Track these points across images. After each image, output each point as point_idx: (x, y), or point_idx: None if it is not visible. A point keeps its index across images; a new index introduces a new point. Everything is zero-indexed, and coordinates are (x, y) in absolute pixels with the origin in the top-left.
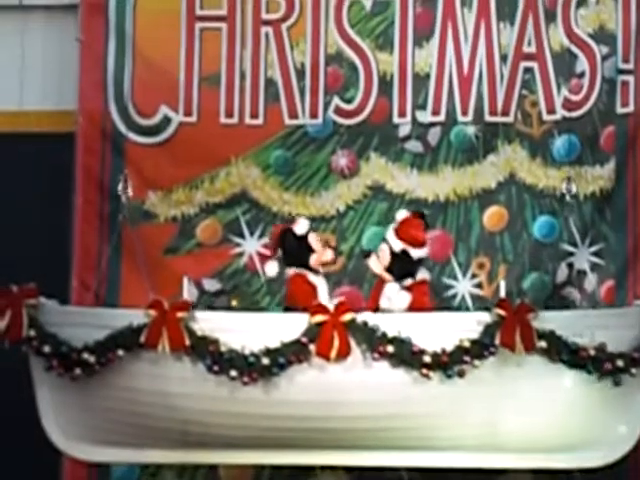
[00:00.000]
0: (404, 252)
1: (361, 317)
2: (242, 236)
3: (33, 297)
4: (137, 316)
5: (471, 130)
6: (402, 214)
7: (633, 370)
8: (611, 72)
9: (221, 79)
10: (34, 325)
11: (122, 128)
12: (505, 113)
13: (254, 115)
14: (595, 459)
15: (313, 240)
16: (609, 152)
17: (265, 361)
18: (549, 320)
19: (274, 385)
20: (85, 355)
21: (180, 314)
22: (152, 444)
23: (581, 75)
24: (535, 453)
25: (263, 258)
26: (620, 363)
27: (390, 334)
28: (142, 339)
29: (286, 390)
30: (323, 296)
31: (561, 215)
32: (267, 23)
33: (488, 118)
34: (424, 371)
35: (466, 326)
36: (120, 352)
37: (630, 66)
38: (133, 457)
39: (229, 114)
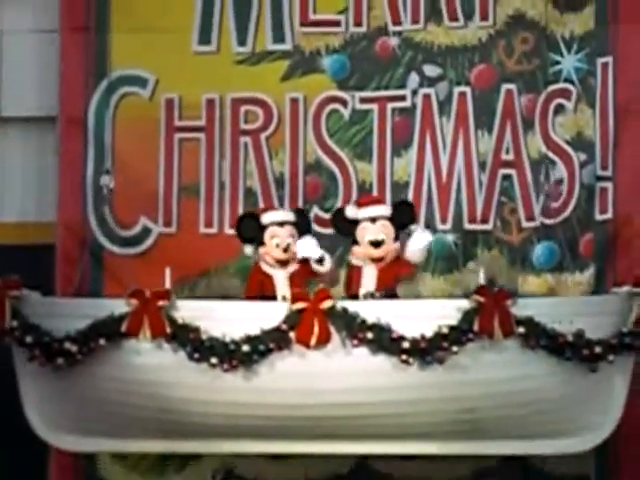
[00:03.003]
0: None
1: (341, 304)
2: None
3: (16, 289)
4: (118, 305)
5: (450, 238)
6: None
7: (611, 357)
8: (590, 179)
9: (200, 189)
10: (17, 316)
11: (101, 239)
12: (484, 221)
13: (234, 225)
14: (574, 445)
15: (267, 234)
16: (588, 258)
17: (245, 348)
18: (527, 306)
19: (255, 373)
20: (67, 345)
21: (161, 302)
22: (134, 433)
23: (560, 182)
24: (514, 440)
25: None
26: (598, 350)
27: (369, 321)
28: (123, 328)
29: (267, 377)
30: (279, 288)
31: None
32: (246, 133)
33: (467, 226)
34: (403, 357)
35: (445, 313)
36: (102, 341)
37: (608, 173)
38: (116, 447)
39: (208, 224)
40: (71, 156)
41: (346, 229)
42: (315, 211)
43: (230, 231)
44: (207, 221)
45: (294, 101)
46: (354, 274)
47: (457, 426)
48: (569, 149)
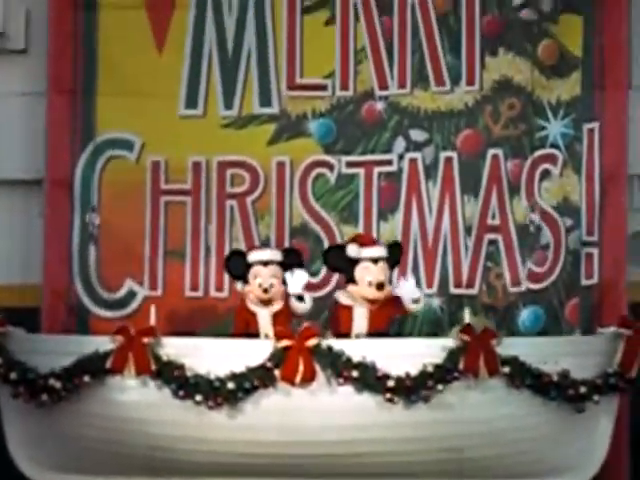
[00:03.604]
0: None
1: (326, 342)
2: None
3: (0, 325)
4: (103, 342)
5: (436, 302)
6: None
7: (596, 397)
8: (575, 244)
9: (186, 253)
10: (1, 352)
11: (87, 302)
12: (470, 285)
13: (219, 288)
14: None
15: (251, 273)
16: (574, 323)
17: (230, 386)
18: (513, 346)
19: (239, 410)
20: (51, 381)
21: (146, 339)
22: (119, 471)
23: (545, 247)
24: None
25: None
26: (583, 390)
27: (355, 359)
28: (108, 364)
29: (252, 415)
30: (263, 326)
31: None
32: (232, 196)
33: (453, 290)
34: (388, 396)
35: (430, 351)
36: (86, 378)
37: (594, 238)
38: None
39: (194, 287)
40: (57, 219)
41: (342, 267)
42: None
43: (216, 294)
44: (193, 284)
45: (280, 165)
46: (344, 314)
47: (442, 465)
48: (555, 214)
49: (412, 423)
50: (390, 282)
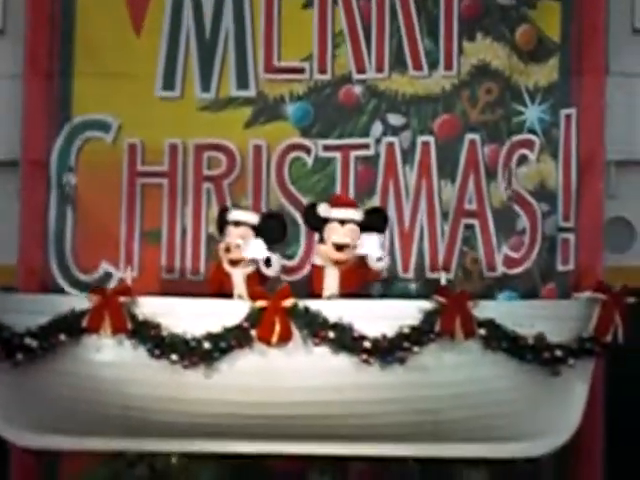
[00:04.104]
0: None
1: (302, 303)
2: None
3: None
4: (80, 301)
5: (412, 287)
6: None
7: (571, 361)
8: (552, 230)
9: (162, 235)
10: None
11: (62, 283)
12: (446, 269)
13: (195, 271)
14: (536, 448)
15: (228, 233)
16: None
17: (207, 345)
18: (489, 309)
19: (215, 370)
20: (27, 340)
21: (122, 299)
22: (94, 431)
23: (522, 232)
24: (475, 443)
25: None
26: (559, 353)
27: (331, 320)
28: (84, 323)
29: (227, 375)
30: (237, 286)
31: None
32: (208, 179)
33: (429, 275)
34: (364, 357)
35: (407, 313)
36: (62, 337)
37: (570, 224)
38: (77, 445)
39: (170, 270)
40: (33, 200)
41: (316, 225)
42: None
43: (192, 277)
44: (169, 267)
45: (257, 148)
46: (316, 274)
47: (417, 427)
48: (532, 200)
49: (388, 384)
50: None
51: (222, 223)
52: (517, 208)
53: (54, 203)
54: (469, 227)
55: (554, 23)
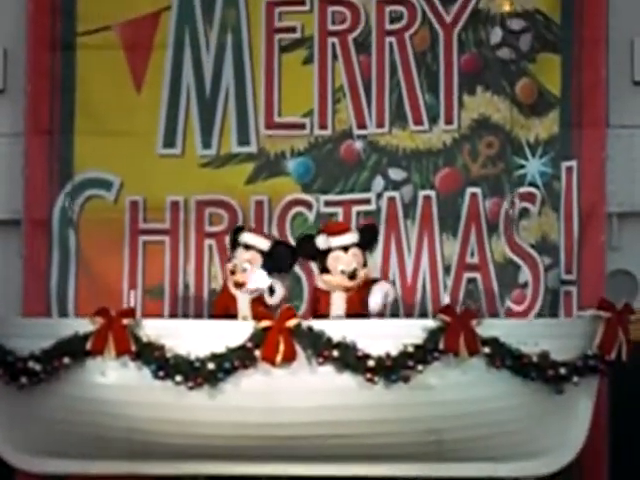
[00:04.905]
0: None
1: (306, 323)
2: None
3: None
4: (83, 324)
5: None
6: None
7: (575, 379)
8: (554, 283)
9: (165, 291)
10: None
11: None
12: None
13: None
14: (540, 467)
15: (236, 255)
16: None
17: (211, 366)
18: (493, 327)
19: (220, 391)
20: (31, 363)
21: (126, 321)
22: (99, 454)
23: (524, 286)
24: (479, 462)
25: None
26: (563, 371)
27: (335, 339)
28: (88, 346)
29: (232, 395)
30: (241, 309)
31: None
32: (210, 235)
33: None
34: (368, 375)
35: (411, 332)
36: (66, 360)
37: (573, 277)
38: (82, 468)
39: None
40: (35, 258)
41: (315, 257)
42: None
43: None
44: None
45: (259, 204)
46: (322, 298)
47: (422, 447)
48: (534, 253)
49: (392, 404)
50: (365, 265)
51: (234, 243)
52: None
53: (56, 261)
54: (471, 281)
55: (554, 76)
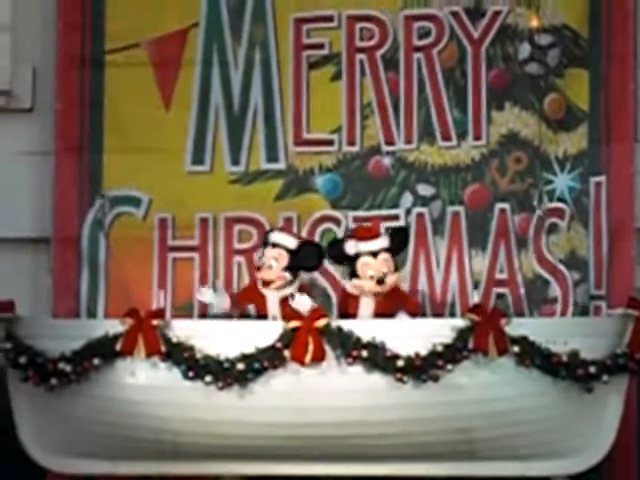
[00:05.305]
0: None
1: (335, 323)
2: None
3: (9, 311)
4: (113, 325)
5: None
6: None
7: (605, 378)
8: (583, 298)
9: (194, 309)
10: (10, 337)
11: None
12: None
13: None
14: (570, 466)
15: (264, 253)
16: None
17: (240, 366)
18: (522, 326)
19: (249, 391)
20: (61, 365)
21: (155, 321)
22: (128, 455)
23: (553, 301)
24: (508, 461)
25: None
26: (593, 370)
27: (364, 339)
28: (118, 347)
29: (261, 396)
30: (271, 308)
31: None
32: (239, 252)
33: None
34: (398, 375)
35: (440, 331)
36: (96, 361)
37: (602, 292)
38: (111, 469)
39: None
40: (65, 277)
41: (344, 262)
42: None
43: None
44: None
45: (288, 220)
46: (351, 302)
47: (452, 446)
48: (563, 268)
49: (422, 403)
50: (396, 269)
51: (265, 245)
52: (548, 276)
53: (86, 279)
54: (500, 296)
55: (582, 91)
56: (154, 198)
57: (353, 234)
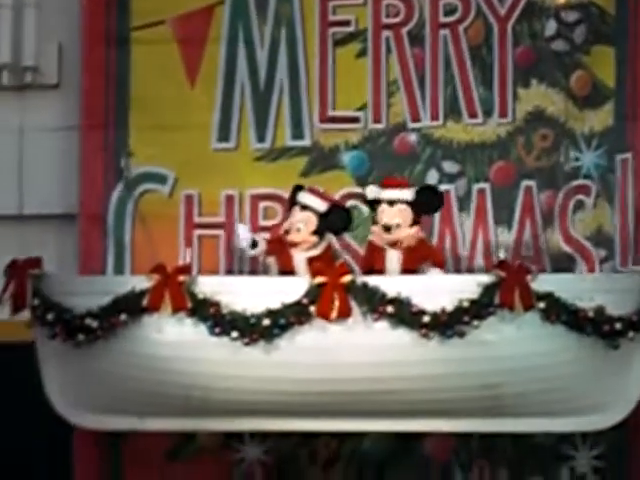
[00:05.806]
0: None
1: (361, 279)
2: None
3: (37, 267)
4: (140, 281)
5: None
6: None
7: (631, 334)
8: None
9: None
10: (37, 294)
11: None
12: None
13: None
14: (595, 422)
15: (293, 214)
16: None
17: (266, 322)
18: (548, 282)
19: (275, 347)
20: (88, 320)
21: (182, 277)
22: (156, 411)
23: None
24: (535, 418)
25: None
26: (619, 326)
27: (390, 295)
28: (144, 303)
29: (287, 351)
30: (298, 270)
31: None
32: (265, 229)
33: None
34: (424, 331)
35: (466, 287)
36: (123, 317)
37: (628, 269)
38: (138, 425)
39: None
40: (91, 253)
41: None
42: None
43: None
44: None
45: None
46: (376, 254)
47: (477, 403)
48: (589, 245)
49: (447, 359)
50: (415, 223)
51: (293, 201)
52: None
53: (111, 256)
54: None
55: (609, 69)
56: (180, 175)
57: (381, 183)
